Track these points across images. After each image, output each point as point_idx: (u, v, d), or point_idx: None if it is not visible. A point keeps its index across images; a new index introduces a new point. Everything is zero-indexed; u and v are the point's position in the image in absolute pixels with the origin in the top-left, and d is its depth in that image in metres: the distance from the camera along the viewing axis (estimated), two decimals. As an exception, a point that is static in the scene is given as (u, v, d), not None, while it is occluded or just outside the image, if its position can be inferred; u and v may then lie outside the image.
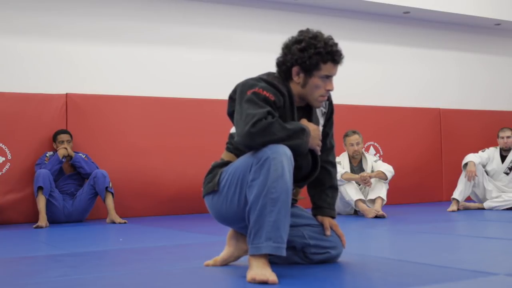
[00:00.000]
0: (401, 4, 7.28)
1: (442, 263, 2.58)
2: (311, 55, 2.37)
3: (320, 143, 2.41)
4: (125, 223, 5.18)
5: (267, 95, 2.31)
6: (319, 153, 2.43)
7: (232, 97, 2.43)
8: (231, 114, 2.44)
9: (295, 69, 2.41)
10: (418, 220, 5.00)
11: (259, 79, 2.39)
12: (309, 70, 2.39)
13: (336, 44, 2.42)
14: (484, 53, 8.46)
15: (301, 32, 2.45)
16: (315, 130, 2.37)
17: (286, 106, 2.39)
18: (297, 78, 2.42)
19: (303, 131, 2.28)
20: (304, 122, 2.40)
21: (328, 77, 2.42)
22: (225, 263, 2.56)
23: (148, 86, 6.26)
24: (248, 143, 2.24)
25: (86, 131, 5.73)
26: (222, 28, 6.76)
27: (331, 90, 2.45)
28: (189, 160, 6.04)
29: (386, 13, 7.56)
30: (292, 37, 2.45)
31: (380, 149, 7.07)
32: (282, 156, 2.18)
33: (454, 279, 2.21)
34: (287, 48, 2.44)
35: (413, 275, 2.31)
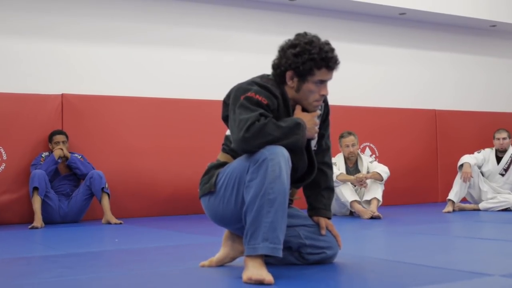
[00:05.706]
0: (397, 5, 7.29)
1: (437, 264, 2.58)
2: (305, 60, 2.34)
3: (317, 130, 2.41)
4: (120, 223, 5.18)
5: (260, 98, 2.29)
6: (315, 138, 2.44)
7: (226, 102, 2.42)
8: (225, 119, 2.44)
9: (289, 74, 2.39)
10: (413, 221, 5.01)
11: (252, 82, 2.37)
12: (302, 75, 2.37)
13: (332, 50, 2.38)
14: (480, 54, 8.48)
15: (297, 36, 2.42)
16: (310, 120, 2.36)
17: (280, 108, 2.38)
18: (291, 83, 2.41)
19: (298, 125, 2.28)
20: (297, 110, 2.40)
21: (323, 82, 2.40)
22: (220, 264, 2.56)
23: (144, 86, 6.25)
24: (244, 148, 2.23)
25: (82, 132, 5.72)
26: (219, 29, 6.76)
27: (326, 95, 2.43)
28: (185, 161, 6.03)
29: (382, 14, 7.57)
30: (289, 40, 2.43)
31: (376, 150, 7.08)
32: (280, 157, 2.18)
33: (449, 280, 2.21)
34: (283, 51, 2.42)
35: (408, 276, 2.32)
